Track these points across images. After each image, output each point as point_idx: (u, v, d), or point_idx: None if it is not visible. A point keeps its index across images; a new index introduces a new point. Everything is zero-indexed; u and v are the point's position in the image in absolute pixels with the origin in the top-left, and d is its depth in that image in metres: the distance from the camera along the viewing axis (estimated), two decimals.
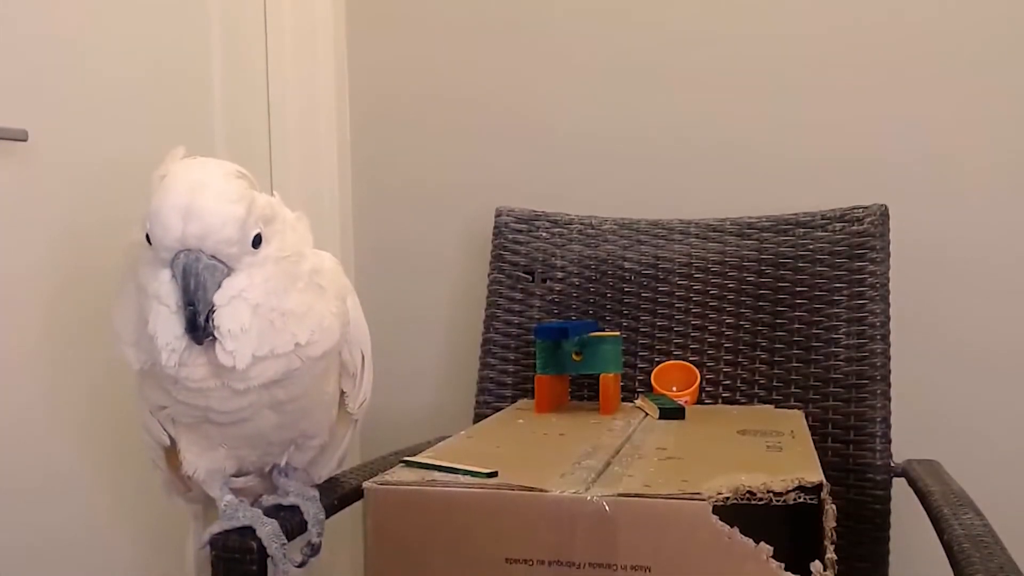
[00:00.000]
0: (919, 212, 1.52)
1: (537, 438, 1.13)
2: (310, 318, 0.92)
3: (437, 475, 0.88)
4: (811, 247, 1.45)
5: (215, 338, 0.85)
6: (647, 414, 1.27)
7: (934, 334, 1.54)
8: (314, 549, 1.00)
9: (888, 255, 1.42)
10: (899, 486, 1.32)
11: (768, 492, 0.80)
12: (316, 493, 1.03)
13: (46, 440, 1.28)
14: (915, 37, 1.54)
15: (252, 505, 0.98)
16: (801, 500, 0.80)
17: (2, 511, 1.21)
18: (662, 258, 1.52)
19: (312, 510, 1.01)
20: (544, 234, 1.58)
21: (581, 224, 1.58)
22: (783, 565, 0.76)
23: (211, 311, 0.84)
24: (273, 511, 0.99)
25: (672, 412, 1.24)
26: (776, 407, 1.40)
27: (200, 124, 1.57)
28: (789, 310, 1.44)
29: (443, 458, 0.94)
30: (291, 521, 0.99)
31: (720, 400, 1.45)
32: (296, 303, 0.90)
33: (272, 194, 0.97)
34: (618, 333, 1.40)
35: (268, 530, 0.93)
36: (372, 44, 1.80)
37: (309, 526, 1.00)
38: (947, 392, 1.54)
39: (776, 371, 1.43)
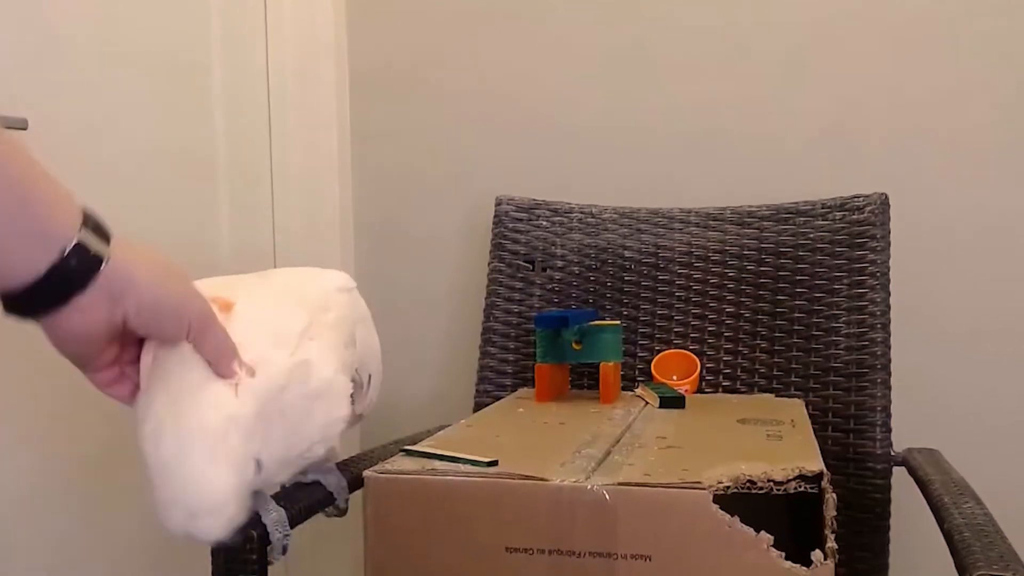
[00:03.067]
0: (920, 201, 1.52)
1: (537, 427, 1.13)
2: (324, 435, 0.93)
3: (437, 464, 0.88)
4: (811, 236, 1.45)
5: None
6: (647, 403, 1.26)
7: (934, 323, 1.54)
8: (341, 511, 1.03)
9: (888, 244, 1.42)
10: (899, 475, 1.32)
11: (768, 481, 0.80)
12: (333, 466, 1.03)
13: (43, 433, 1.28)
14: (916, 26, 1.53)
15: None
16: (801, 489, 0.80)
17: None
18: (662, 247, 1.52)
19: (333, 480, 1.02)
20: (544, 223, 1.58)
21: (581, 213, 1.57)
22: (783, 554, 0.76)
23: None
24: (292, 489, 0.99)
25: (672, 401, 1.24)
26: (776, 396, 1.40)
27: (200, 112, 1.57)
28: (789, 299, 1.44)
29: (443, 447, 0.94)
30: (312, 497, 1.00)
31: (720, 389, 1.45)
32: (303, 438, 0.90)
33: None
34: (618, 322, 1.40)
35: (274, 517, 0.93)
36: (372, 33, 1.80)
37: (335, 495, 1.02)
38: (947, 381, 1.54)
39: (776, 360, 1.43)
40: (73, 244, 0.63)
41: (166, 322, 0.71)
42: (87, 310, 0.65)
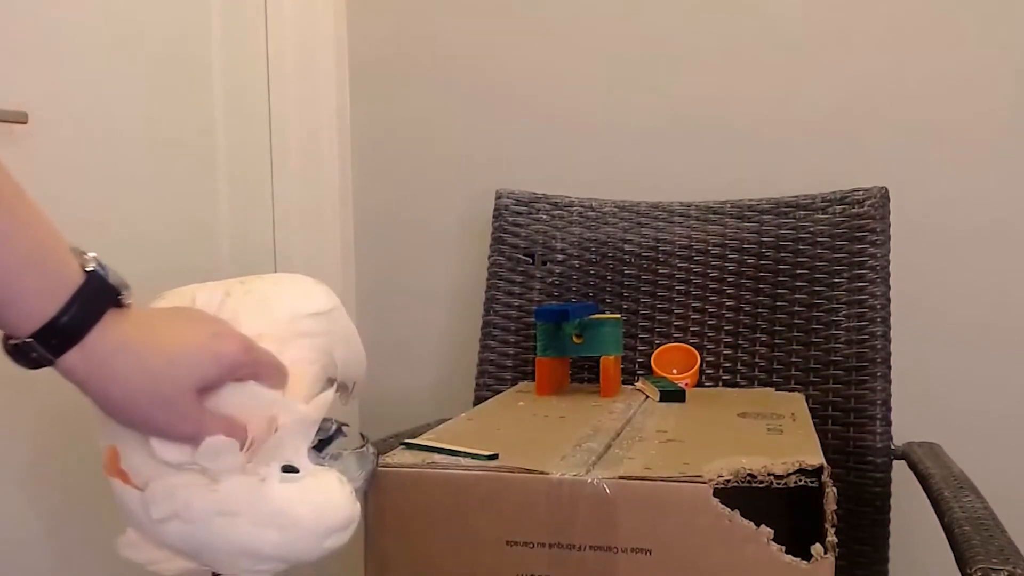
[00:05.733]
0: (920, 194, 1.52)
1: (538, 420, 1.13)
2: None
3: (438, 457, 0.88)
4: (811, 230, 1.45)
5: None
6: (647, 396, 1.26)
7: (934, 317, 1.54)
8: None
9: (888, 238, 1.42)
10: (899, 469, 1.32)
11: (769, 475, 0.79)
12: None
13: (43, 428, 1.28)
14: (916, 19, 1.53)
15: None
16: (802, 483, 0.80)
17: None
18: (662, 240, 1.52)
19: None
20: (544, 216, 1.57)
21: (581, 206, 1.57)
22: (784, 548, 0.76)
23: None
24: None
25: (672, 395, 1.24)
26: (776, 390, 1.40)
27: (200, 105, 1.57)
28: (789, 292, 1.44)
29: (444, 440, 0.94)
30: None
31: (720, 383, 1.45)
32: None
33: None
34: (618, 315, 1.40)
35: None
36: (372, 26, 1.79)
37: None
38: (948, 375, 1.54)
39: (776, 354, 1.43)
40: (94, 265, 0.63)
41: (132, 424, 0.68)
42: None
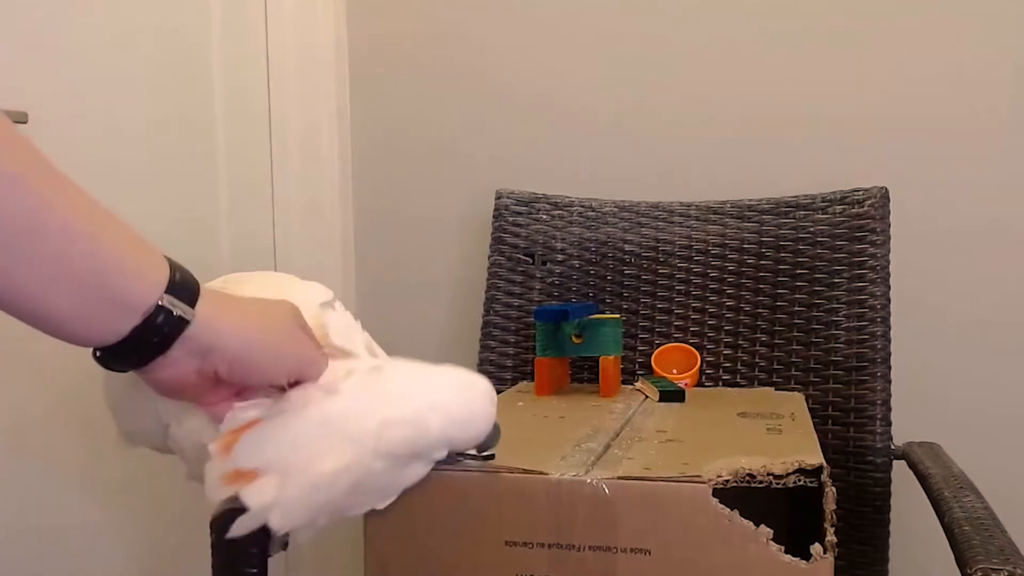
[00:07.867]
0: (920, 194, 1.52)
1: (537, 421, 1.13)
2: None
3: None
4: (811, 230, 1.45)
5: None
6: (647, 397, 1.26)
7: (934, 316, 1.54)
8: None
9: (888, 238, 1.42)
10: (899, 469, 1.32)
11: (768, 475, 0.79)
12: None
13: (45, 429, 1.28)
14: (915, 19, 1.53)
15: None
16: (801, 483, 0.80)
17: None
18: (662, 240, 1.52)
19: None
20: (544, 216, 1.57)
21: (581, 206, 1.57)
22: (783, 548, 0.76)
23: None
24: None
25: (672, 395, 1.24)
26: (776, 390, 1.40)
27: (200, 105, 1.57)
28: (789, 292, 1.44)
29: None
30: None
31: (720, 383, 1.45)
32: None
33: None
34: (618, 315, 1.40)
35: None
36: (372, 25, 1.79)
37: None
38: (947, 374, 1.54)
39: (776, 354, 1.43)
40: (155, 308, 0.62)
41: (262, 372, 0.71)
42: (174, 366, 0.65)
